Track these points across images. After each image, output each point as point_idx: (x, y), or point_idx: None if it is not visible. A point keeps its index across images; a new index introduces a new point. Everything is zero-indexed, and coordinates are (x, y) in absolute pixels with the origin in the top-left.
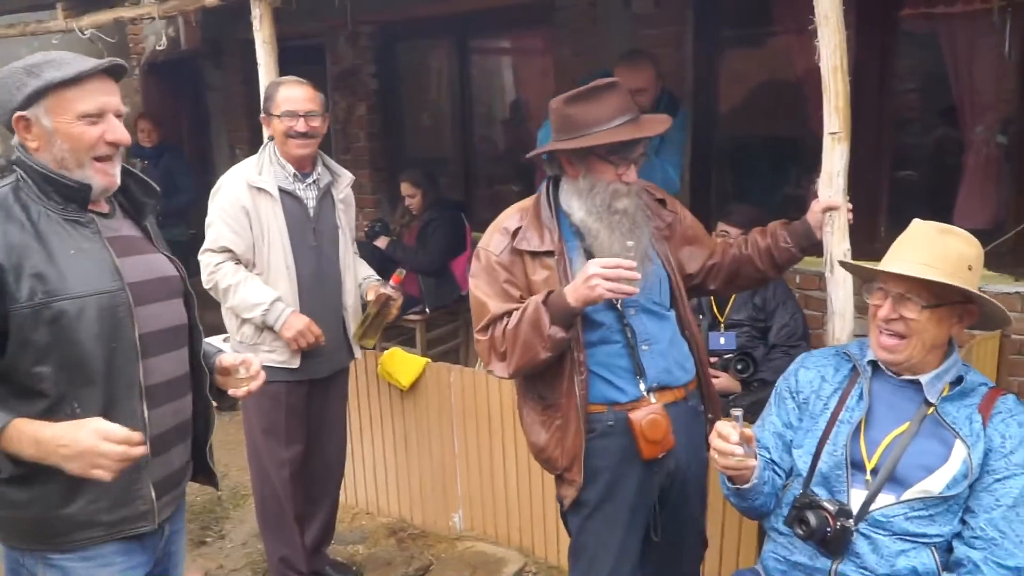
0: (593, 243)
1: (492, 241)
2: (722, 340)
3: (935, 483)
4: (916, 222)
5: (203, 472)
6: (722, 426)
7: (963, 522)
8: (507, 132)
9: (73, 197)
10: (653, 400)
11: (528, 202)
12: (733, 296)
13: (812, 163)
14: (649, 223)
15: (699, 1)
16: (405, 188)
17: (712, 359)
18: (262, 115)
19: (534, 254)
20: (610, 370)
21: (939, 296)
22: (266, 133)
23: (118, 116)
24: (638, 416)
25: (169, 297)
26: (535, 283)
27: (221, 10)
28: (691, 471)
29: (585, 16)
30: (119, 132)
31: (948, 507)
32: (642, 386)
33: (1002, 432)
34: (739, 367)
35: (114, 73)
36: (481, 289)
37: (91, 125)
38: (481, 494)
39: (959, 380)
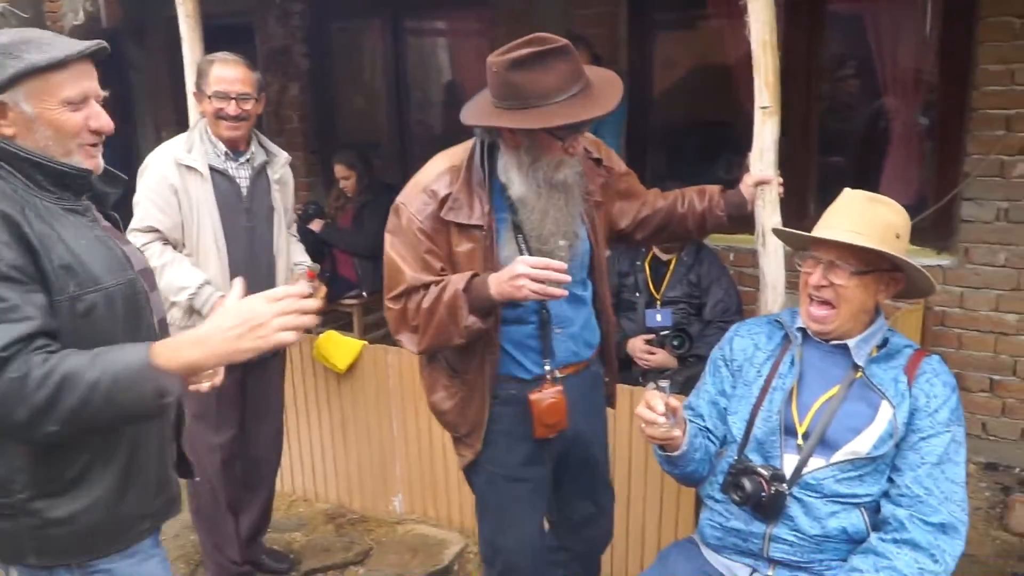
0: (526, 220)
1: (416, 201)
2: (658, 317)
3: (862, 444)
4: (847, 191)
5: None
6: (650, 396)
7: (890, 480)
8: (443, 114)
9: (70, 185)
10: (558, 374)
11: (458, 159)
12: (669, 274)
13: (744, 146)
14: (585, 197)
15: None
16: (339, 170)
17: (649, 336)
18: (194, 90)
19: (461, 226)
20: (519, 349)
21: (868, 263)
22: (198, 110)
23: (98, 101)
24: (537, 398)
25: (154, 287)
26: (458, 255)
27: None
28: (592, 433)
29: None
30: (103, 119)
31: (876, 467)
32: (547, 367)
33: (927, 392)
34: (675, 343)
35: (96, 56)
36: (398, 251)
37: (74, 111)
38: (421, 477)
39: (885, 343)
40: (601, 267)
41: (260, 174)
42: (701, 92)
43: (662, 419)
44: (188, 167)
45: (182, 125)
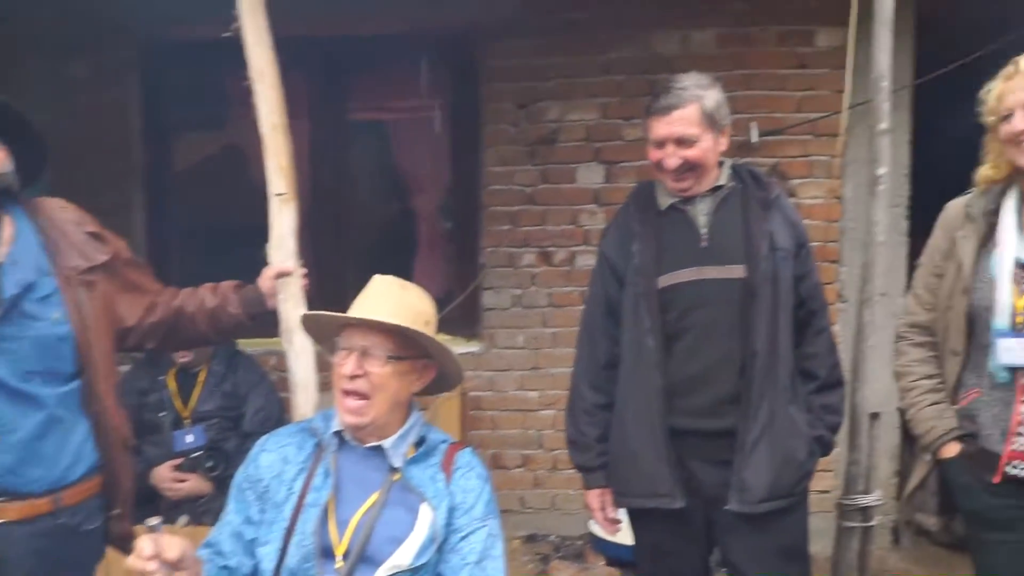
0: None
1: None
2: (189, 438)
3: (404, 556)
4: (377, 277)
5: None
6: (140, 540)
7: None
8: None
9: None
10: None
11: None
12: (199, 386)
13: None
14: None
15: (144, 74)
16: None
17: (178, 460)
18: None
19: None
20: None
21: (402, 348)
22: None
23: None
24: None
25: None
26: None
27: None
28: None
29: None
30: None
31: None
32: None
33: (463, 487)
34: (209, 465)
35: None
36: None
37: None
38: None
39: (422, 441)
40: (96, 362)
41: None
42: (228, 191)
43: (152, 565)
44: None
45: None
